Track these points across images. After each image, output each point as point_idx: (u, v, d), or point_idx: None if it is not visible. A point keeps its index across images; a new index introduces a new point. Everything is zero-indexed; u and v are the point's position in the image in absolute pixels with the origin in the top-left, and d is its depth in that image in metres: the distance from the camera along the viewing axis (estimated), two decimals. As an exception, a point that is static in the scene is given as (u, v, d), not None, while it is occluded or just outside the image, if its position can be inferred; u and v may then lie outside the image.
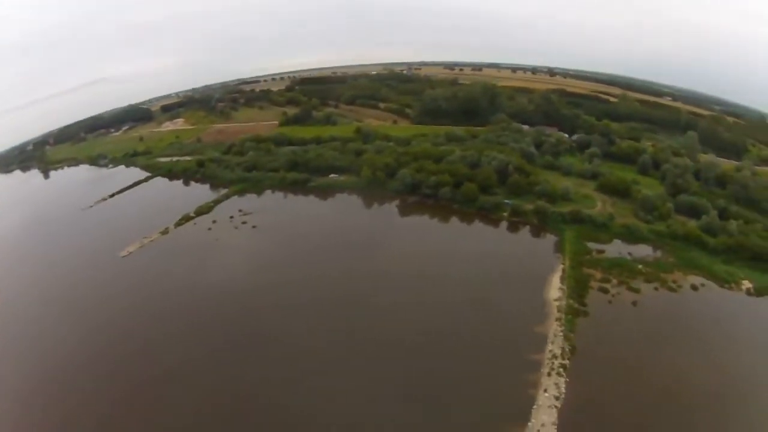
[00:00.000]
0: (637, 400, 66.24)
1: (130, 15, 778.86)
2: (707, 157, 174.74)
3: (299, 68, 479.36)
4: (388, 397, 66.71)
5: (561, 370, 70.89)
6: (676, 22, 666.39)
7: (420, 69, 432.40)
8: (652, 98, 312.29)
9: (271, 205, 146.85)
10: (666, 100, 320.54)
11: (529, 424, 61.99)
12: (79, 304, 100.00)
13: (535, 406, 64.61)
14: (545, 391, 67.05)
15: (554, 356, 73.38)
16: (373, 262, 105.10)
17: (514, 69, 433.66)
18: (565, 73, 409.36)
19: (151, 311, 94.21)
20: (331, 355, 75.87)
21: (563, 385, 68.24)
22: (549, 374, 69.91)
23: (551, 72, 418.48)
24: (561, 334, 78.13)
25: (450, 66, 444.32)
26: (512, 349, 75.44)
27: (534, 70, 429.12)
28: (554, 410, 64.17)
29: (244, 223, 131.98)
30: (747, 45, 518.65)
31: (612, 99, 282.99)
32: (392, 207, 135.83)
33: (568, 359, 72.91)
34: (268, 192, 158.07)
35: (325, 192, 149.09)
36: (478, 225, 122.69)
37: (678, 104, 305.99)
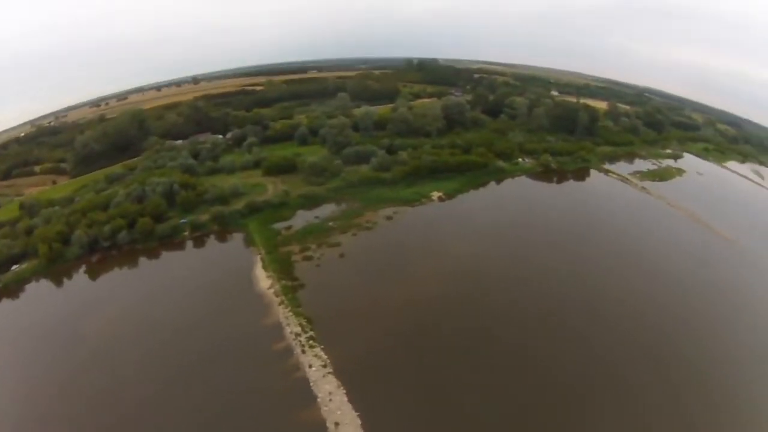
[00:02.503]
0: (383, 325, 73.86)
1: None
2: (361, 110, 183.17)
3: None
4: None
5: (311, 342, 70.88)
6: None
7: (66, 115, 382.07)
8: (297, 76, 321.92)
9: None
10: (313, 74, 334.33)
11: (318, 399, 60.92)
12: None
13: (312, 383, 63.50)
14: (311, 366, 66.35)
15: (297, 335, 72.52)
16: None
17: (159, 87, 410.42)
18: (210, 77, 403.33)
19: None
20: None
21: (322, 353, 68.43)
22: (304, 352, 69.05)
23: (195, 80, 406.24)
24: (291, 313, 77.39)
25: (95, 103, 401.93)
26: (257, 350, 71.80)
27: (179, 83, 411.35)
28: (330, 376, 64.38)
29: None
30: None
31: (259, 88, 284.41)
32: (80, 277, 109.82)
33: (311, 330, 73.11)
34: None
35: (14, 290, 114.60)
36: (166, 256, 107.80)
37: (325, 74, 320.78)
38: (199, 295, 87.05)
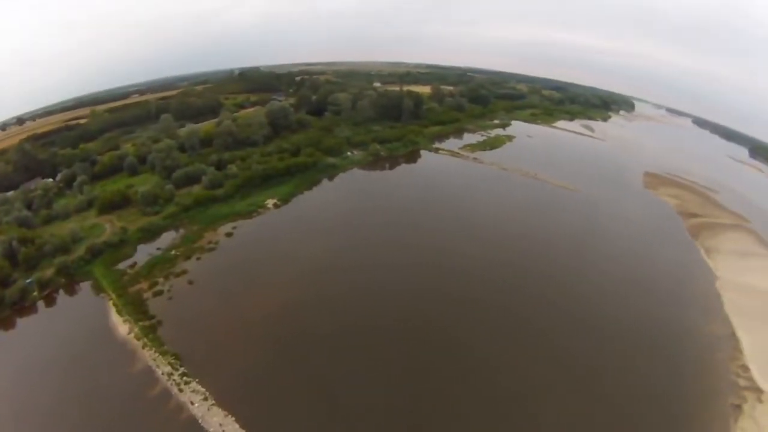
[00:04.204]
0: (249, 341, 75.22)
1: None
2: (186, 129, 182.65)
3: None
4: None
5: (185, 378, 69.11)
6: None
7: None
8: (120, 103, 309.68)
9: None
10: (135, 98, 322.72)
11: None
12: None
13: (200, 420, 62.36)
14: (192, 403, 64.87)
15: (170, 374, 70.21)
16: None
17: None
18: (34, 114, 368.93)
19: None
20: None
21: (199, 386, 67.19)
22: (181, 390, 67.01)
23: (20, 120, 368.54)
24: (157, 354, 74.74)
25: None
26: (134, 401, 67.50)
27: (3, 126, 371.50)
28: (215, 408, 63.77)
29: None
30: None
31: (83, 121, 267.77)
32: None
33: (182, 367, 71.22)
34: None
35: None
36: (21, 324, 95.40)
37: (147, 96, 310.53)
38: (61, 365, 79.61)
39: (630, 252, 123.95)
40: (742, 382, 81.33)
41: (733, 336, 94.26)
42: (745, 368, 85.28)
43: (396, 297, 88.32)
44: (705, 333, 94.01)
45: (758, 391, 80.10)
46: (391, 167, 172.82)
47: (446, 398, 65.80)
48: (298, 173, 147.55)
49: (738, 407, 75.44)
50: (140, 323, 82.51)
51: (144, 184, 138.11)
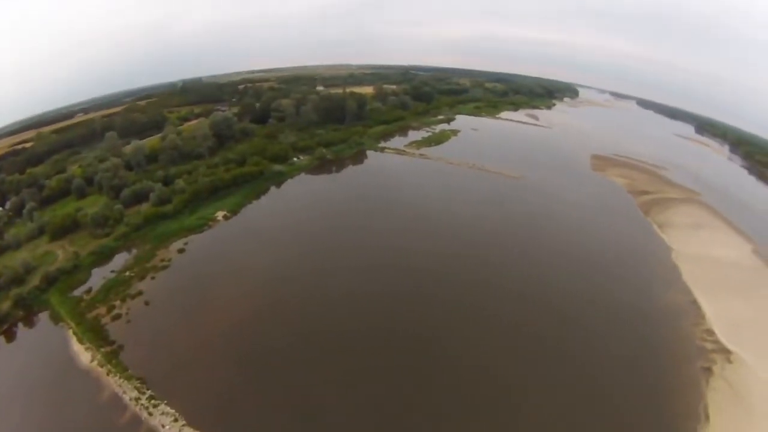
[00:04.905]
0: (212, 356, 75.02)
1: None
2: (131, 146, 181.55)
3: None
4: None
5: (153, 401, 68.42)
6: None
7: None
8: (66, 123, 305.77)
9: None
10: (80, 117, 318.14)
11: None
12: None
13: None
14: (164, 426, 64.57)
15: (137, 399, 69.39)
16: None
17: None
18: None
19: None
20: None
21: (169, 408, 66.75)
22: (151, 414, 66.48)
23: None
24: (122, 380, 73.57)
25: None
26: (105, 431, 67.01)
27: None
28: (187, 428, 63.68)
29: None
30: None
31: (29, 145, 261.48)
32: None
33: (148, 390, 70.43)
34: None
35: None
36: None
37: (92, 115, 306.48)
38: (24, 401, 77.07)
39: (583, 233, 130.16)
40: (709, 346, 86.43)
41: (694, 303, 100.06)
42: (710, 332, 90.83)
43: (353, 299, 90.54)
44: (667, 303, 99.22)
45: (726, 352, 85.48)
46: (338, 170, 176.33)
47: (423, 394, 67.87)
48: (246, 183, 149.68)
49: (708, 369, 80.00)
50: (102, 350, 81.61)
51: (93, 205, 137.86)
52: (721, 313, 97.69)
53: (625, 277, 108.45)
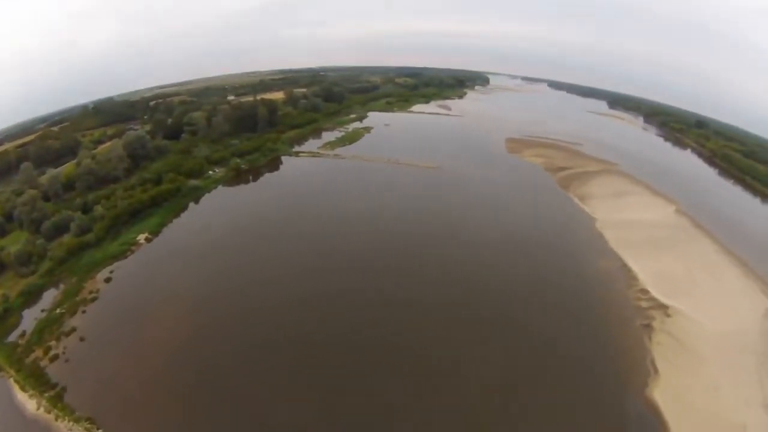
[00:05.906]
0: (160, 384, 75.74)
1: None
2: (46, 176, 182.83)
3: None
4: None
5: None
6: None
7: None
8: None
9: None
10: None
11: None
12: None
13: None
14: None
15: None
16: None
17: None
18: None
19: None
20: None
21: None
22: None
23: None
24: (72, 423, 72.86)
25: None
26: None
27: None
28: None
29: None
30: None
31: None
32: None
33: (99, 429, 70.66)
34: None
35: None
36: None
37: (6, 146, 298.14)
38: None
39: (506, 213, 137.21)
40: (645, 304, 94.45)
41: (625, 267, 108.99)
42: (645, 291, 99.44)
43: (288, 305, 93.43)
44: (599, 269, 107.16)
45: (663, 307, 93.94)
46: (254, 179, 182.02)
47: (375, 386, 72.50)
48: (164, 202, 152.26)
49: (648, 326, 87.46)
50: (46, 395, 79.02)
51: (15, 242, 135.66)
52: (652, 272, 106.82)
53: (554, 250, 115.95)
